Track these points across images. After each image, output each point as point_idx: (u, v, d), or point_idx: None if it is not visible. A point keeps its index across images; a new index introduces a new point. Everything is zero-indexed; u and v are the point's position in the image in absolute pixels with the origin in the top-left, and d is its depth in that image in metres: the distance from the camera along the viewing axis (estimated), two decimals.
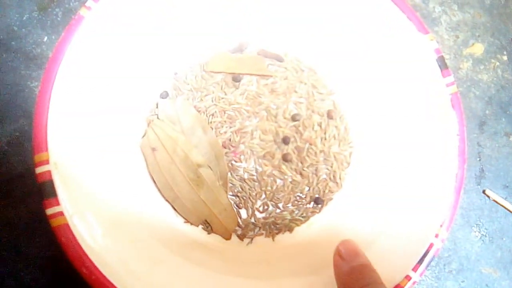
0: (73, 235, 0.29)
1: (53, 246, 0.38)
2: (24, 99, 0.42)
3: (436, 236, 0.33)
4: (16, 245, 0.39)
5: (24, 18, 0.44)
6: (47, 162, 0.30)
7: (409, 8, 0.37)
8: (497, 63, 0.50)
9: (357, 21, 0.39)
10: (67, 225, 0.29)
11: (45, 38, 0.43)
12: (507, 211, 0.45)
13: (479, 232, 0.45)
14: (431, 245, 0.32)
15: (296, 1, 0.40)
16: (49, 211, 0.29)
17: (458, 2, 0.51)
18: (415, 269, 0.32)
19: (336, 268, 0.31)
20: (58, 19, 0.44)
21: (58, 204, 0.29)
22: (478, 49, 0.50)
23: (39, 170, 0.30)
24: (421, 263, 0.32)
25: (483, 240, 0.45)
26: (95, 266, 0.29)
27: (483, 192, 0.46)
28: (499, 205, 0.45)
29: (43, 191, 0.29)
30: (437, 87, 0.36)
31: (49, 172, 0.30)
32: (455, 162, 0.34)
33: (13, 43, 0.43)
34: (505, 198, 0.46)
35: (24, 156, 0.41)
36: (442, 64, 0.36)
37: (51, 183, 0.30)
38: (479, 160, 0.47)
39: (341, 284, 0.30)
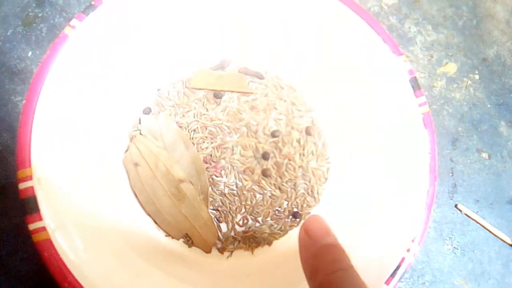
0: (55, 249, 0.30)
1: (35, 259, 0.39)
2: (7, 113, 0.42)
3: (408, 250, 0.34)
4: None
5: (9, 33, 0.44)
6: (30, 178, 0.30)
7: (384, 31, 0.38)
8: (469, 82, 0.52)
9: (334, 42, 0.40)
10: (50, 240, 0.30)
11: (30, 53, 0.44)
12: (478, 225, 0.47)
13: (451, 245, 0.46)
14: (403, 259, 0.34)
15: (276, 22, 0.41)
16: (32, 226, 0.30)
17: (433, 23, 0.53)
18: (387, 282, 0.33)
19: (302, 248, 0.27)
20: (43, 34, 0.45)
21: (40, 219, 0.30)
22: (451, 68, 0.52)
23: (22, 186, 0.30)
24: (394, 276, 0.33)
25: (455, 253, 0.46)
26: (77, 281, 0.29)
27: (455, 206, 0.47)
28: (470, 219, 0.47)
29: (26, 206, 0.30)
30: (410, 107, 0.37)
31: (32, 188, 0.30)
32: (426, 179, 0.36)
33: None
34: (476, 212, 0.47)
35: (6, 170, 0.41)
36: (415, 84, 0.38)
37: (34, 199, 0.30)
38: (452, 175, 0.48)
39: (308, 267, 0.26)
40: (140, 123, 0.41)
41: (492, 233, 0.47)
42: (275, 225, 0.41)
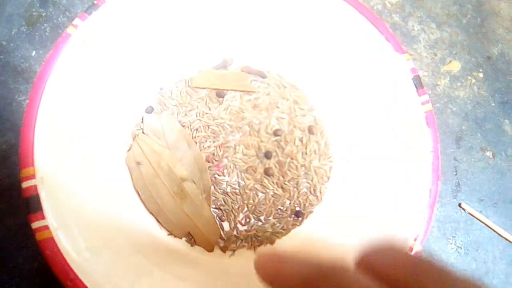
0: (58, 248, 0.30)
1: (39, 258, 0.39)
2: (11, 112, 0.42)
3: (411, 249, 0.34)
4: (2, 256, 0.39)
5: (13, 32, 0.45)
6: (33, 176, 0.31)
7: (387, 29, 0.38)
8: (473, 80, 0.52)
9: (337, 41, 0.40)
10: (52, 239, 0.30)
11: (33, 53, 0.44)
12: (482, 224, 0.47)
13: (455, 244, 0.46)
14: None
15: (278, 21, 0.41)
16: (35, 225, 0.30)
17: (436, 21, 0.53)
18: None
19: None
20: (46, 34, 0.45)
21: (43, 218, 0.30)
22: (455, 66, 0.52)
23: (25, 184, 0.31)
24: None
25: (458, 252, 0.46)
26: (79, 279, 0.30)
27: (459, 205, 0.47)
28: (474, 218, 0.47)
29: (29, 205, 0.30)
30: (413, 105, 0.37)
31: (35, 186, 0.31)
32: (429, 178, 0.36)
33: (1, 57, 0.44)
34: (480, 211, 0.47)
35: (11, 169, 0.41)
36: (418, 83, 0.38)
37: (37, 198, 0.30)
38: (456, 174, 0.48)
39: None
40: (142, 122, 0.41)
41: (496, 232, 0.47)
42: (278, 224, 0.41)
